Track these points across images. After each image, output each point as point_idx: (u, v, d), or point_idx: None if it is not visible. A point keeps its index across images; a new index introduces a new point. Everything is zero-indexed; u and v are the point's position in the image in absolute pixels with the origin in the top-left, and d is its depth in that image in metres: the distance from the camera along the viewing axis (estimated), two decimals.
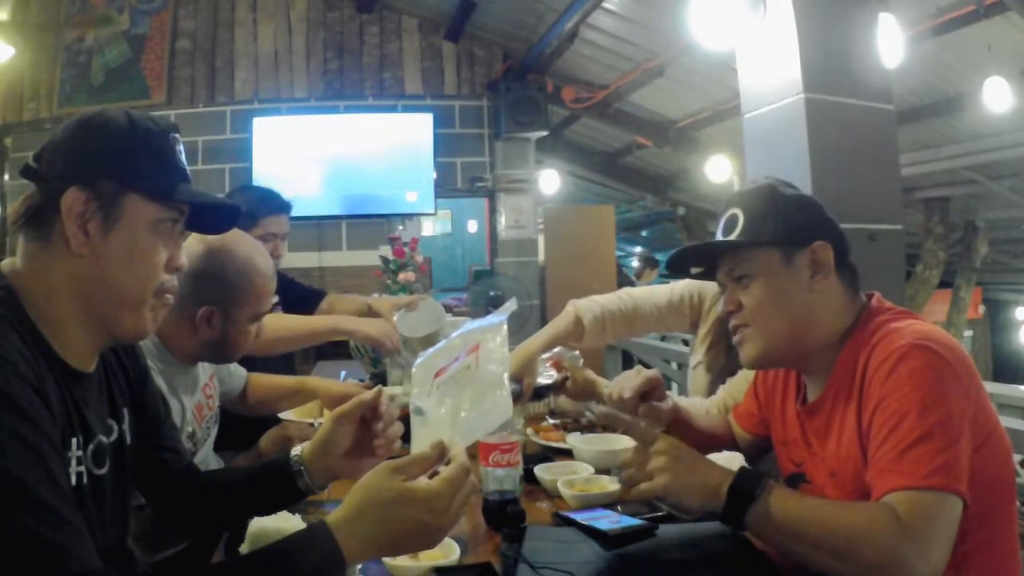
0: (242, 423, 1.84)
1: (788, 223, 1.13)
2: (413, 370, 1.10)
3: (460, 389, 1.03)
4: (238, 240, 1.51)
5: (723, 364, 1.79)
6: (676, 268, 1.27)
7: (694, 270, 1.27)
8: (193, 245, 1.45)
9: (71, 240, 0.86)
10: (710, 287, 1.84)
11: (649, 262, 7.77)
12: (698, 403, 1.65)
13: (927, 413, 0.96)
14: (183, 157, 0.95)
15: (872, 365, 1.04)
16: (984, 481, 1.00)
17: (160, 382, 1.35)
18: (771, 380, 1.32)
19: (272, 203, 2.41)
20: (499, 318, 1.12)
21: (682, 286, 1.90)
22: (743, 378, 1.62)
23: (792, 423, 1.23)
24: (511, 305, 1.22)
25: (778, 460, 1.30)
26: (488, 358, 1.04)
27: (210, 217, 1.00)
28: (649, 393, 1.36)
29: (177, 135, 0.94)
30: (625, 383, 1.35)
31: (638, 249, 13.13)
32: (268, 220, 2.34)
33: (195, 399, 1.55)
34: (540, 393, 1.81)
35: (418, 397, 1.08)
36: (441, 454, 0.91)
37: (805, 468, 1.19)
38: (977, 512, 0.98)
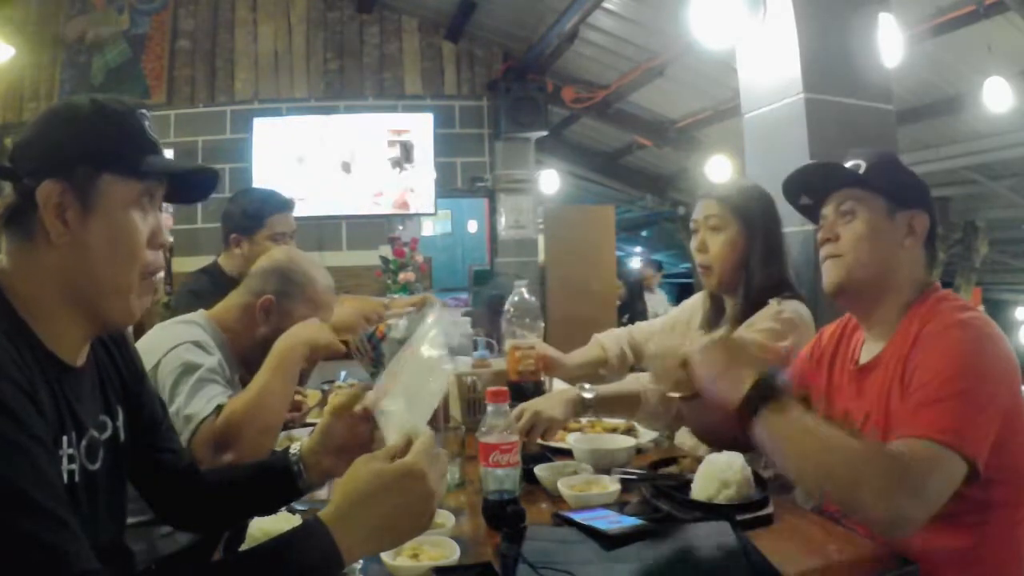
0: None
1: (902, 184, 1.25)
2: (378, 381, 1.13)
3: (406, 378, 1.05)
4: (310, 257, 1.73)
5: None
6: (790, 192, 1.36)
7: (803, 200, 1.36)
8: (274, 252, 1.72)
9: (51, 232, 0.86)
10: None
11: (652, 265, 7.79)
12: None
13: (961, 379, 1.03)
14: (153, 132, 0.95)
15: (927, 330, 1.12)
16: (1010, 468, 1.06)
17: (228, 370, 1.55)
18: (828, 343, 1.38)
19: (275, 202, 2.42)
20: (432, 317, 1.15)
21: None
22: (747, 328, 1.62)
23: (843, 390, 1.29)
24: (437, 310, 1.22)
25: None
26: (420, 342, 1.07)
27: (190, 185, 1.00)
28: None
29: (144, 111, 0.94)
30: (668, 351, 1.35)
31: (638, 249, 13.12)
32: (274, 219, 2.36)
33: None
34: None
35: (383, 403, 1.09)
36: (409, 442, 0.91)
37: None
38: (999, 497, 1.06)
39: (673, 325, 1.98)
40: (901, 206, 1.23)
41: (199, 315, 1.64)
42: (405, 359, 1.08)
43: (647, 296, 7.60)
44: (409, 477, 0.85)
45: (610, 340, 2.03)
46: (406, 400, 1.03)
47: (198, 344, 1.51)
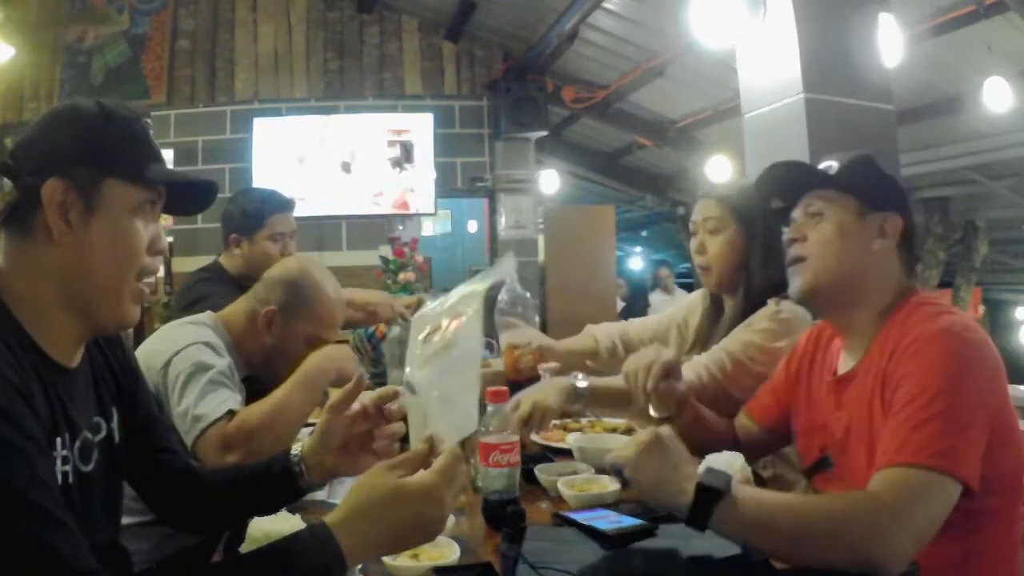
0: None
1: (874, 185, 1.21)
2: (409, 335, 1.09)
3: (444, 375, 1.03)
4: (321, 268, 1.67)
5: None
6: (762, 194, 1.34)
7: (775, 204, 1.33)
8: (289, 261, 1.67)
9: (53, 230, 0.86)
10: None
11: (660, 264, 7.80)
12: (687, 367, 1.61)
13: (944, 396, 0.99)
14: (155, 142, 0.95)
15: (905, 341, 1.08)
16: (1001, 476, 1.03)
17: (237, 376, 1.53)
18: (804, 353, 1.35)
19: (275, 201, 2.42)
20: (487, 279, 1.12)
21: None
22: (744, 329, 1.61)
23: (822, 402, 1.26)
24: (508, 261, 1.18)
25: (800, 451, 1.32)
26: (466, 335, 1.04)
27: (189, 196, 1.01)
28: (666, 375, 1.36)
29: (148, 120, 0.95)
30: (644, 364, 1.35)
31: (638, 249, 13.12)
32: (274, 219, 2.36)
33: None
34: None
35: (411, 371, 1.07)
36: (432, 448, 0.91)
37: (831, 452, 1.21)
38: (991, 505, 1.02)
39: (669, 323, 1.98)
40: (873, 208, 1.19)
41: (207, 316, 1.63)
42: (442, 343, 1.04)
43: (663, 297, 7.58)
44: (426, 500, 0.85)
45: (602, 333, 2.02)
46: (439, 400, 1.01)
47: (209, 345, 1.51)
